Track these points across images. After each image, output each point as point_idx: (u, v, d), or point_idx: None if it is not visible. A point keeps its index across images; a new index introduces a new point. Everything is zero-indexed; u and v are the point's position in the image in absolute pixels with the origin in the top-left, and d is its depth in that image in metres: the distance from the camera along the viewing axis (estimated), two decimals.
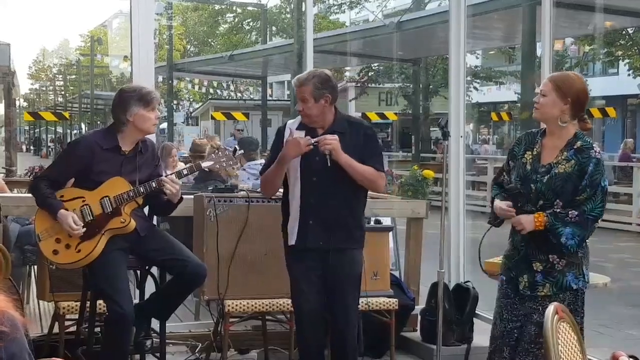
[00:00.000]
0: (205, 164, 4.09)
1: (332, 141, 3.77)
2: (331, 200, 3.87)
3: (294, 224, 3.92)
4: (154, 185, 3.94)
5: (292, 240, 3.93)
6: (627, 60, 22.72)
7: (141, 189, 3.93)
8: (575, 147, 3.42)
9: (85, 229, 3.87)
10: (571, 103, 3.43)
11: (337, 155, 3.77)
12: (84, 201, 3.92)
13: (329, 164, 3.76)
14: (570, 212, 3.35)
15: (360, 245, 4.03)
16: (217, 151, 4.12)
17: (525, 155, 3.52)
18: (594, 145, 3.44)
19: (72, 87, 49.28)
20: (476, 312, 5.35)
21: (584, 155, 3.39)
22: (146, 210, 4.18)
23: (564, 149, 3.44)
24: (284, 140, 3.90)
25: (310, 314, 3.96)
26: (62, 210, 3.88)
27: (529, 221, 3.39)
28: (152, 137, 4.27)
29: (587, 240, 3.47)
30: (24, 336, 1.75)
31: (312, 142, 3.78)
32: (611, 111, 16.86)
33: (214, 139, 15.76)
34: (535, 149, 3.51)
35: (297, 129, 3.96)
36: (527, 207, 3.44)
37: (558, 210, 3.37)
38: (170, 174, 4.06)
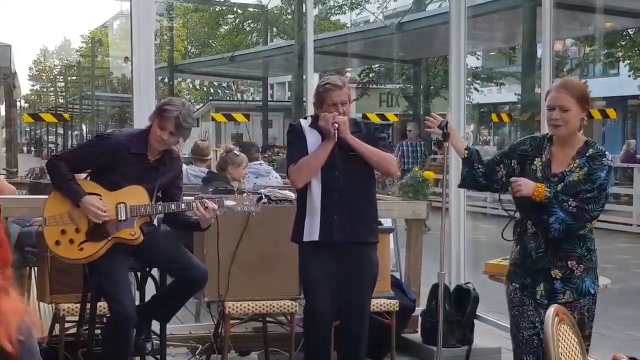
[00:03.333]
0: (228, 203, 4.00)
1: (342, 118, 3.92)
2: (354, 194, 3.95)
3: (313, 219, 3.94)
4: (173, 208, 3.92)
5: (313, 236, 3.94)
6: (627, 61, 22.72)
7: (160, 207, 3.90)
8: (587, 154, 3.37)
9: (96, 227, 3.84)
10: (587, 110, 3.41)
11: (343, 133, 3.89)
12: (100, 199, 3.88)
13: (336, 139, 3.89)
14: (570, 201, 3.30)
15: (377, 240, 4.14)
16: (242, 194, 4.09)
17: (535, 162, 3.44)
18: (606, 152, 3.40)
19: (72, 88, 49.26)
20: (477, 313, 5.35)
21: (596, 163, 3.34)
22: None
23: (576, 157, 3.38)
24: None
25: (324, 315, 3.98)
26: (88, 196, 3.83)
27: (529, 186, 3.32)
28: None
29: (595, 243, 3.42)
30: (36, 344, 1.77)
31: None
32: (611, 112, 16.85)
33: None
34: (544, 156, 3.44)
35: (309, 127, 4.06)
36: (542, 217, 3.34)
37: (560, 194, 3.31)
38: (206, 198, 3.95)
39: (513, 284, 3.50)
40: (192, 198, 4.10)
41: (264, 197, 4.13)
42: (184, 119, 3.87)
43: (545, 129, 5.25)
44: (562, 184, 3.35)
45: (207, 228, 4.02)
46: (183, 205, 3.94)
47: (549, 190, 3.31)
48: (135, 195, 3.89)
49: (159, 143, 3.92)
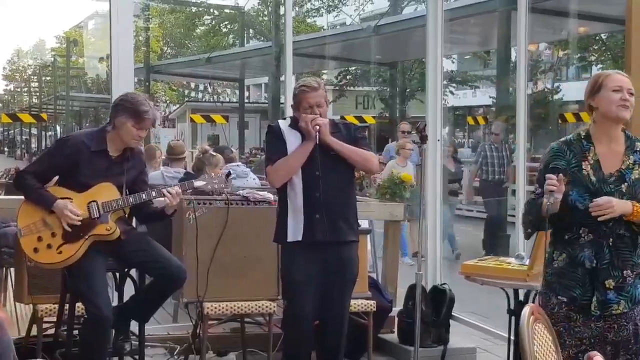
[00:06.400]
0: (198, 183, 4.08)
1: (323, 120, 3.94)
2: (335, 194, 3.98)
3: (297, 219, 3.96)
4: (144, 197, 3.95)
5: (297, 236, 3.96)
6: (600, 65, 23.02)
7: (131, 199, 3.93)
8: (636, 149, 3.17)
9: (71, 229, 3.85)
10: None
11: (324, 135, 3.91)
12: (71, 202, 3.89)
13: (317, 142, 3.90)
14: None
15: (358, 238, 4.17)
16: (212, 173, 4.16)
17: (584, 166, 3.15)
18: None
19: (47, 89, 48.81)
20: (452, 313, 5.41)
21: None
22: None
23: (628, 153, 3.16)
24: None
25: (307, 317, 4.00)
26: (60, 200, 3.86)
27: (625, 207, 3.04)
28: None
29: None
30: (10, 337, 1.77)
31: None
32: (585, 116, 17.00)
33: None
34: (590, 158, 3.16)
35: (288, 127, 4.07)
36: (603, 227, 3.11)
37: None
38: (169, 187, 4.02)
39: (559, 298, 3.18)
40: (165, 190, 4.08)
41: (232, 184, 4.19)
42: (155, 112, 4.00)
43: (521, 130, 5.34)
44: (626, 183, 3.12)
45: (173, 214, 4.08)
46: (154, 193, 3.98)
47: None
48: (105, 192, 3.92)
49: (136, 141, 4.00)
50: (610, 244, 3.12)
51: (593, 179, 3.13)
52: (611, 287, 3.11)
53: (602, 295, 3.11)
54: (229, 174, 4.16)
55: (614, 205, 3.03)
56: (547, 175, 3.07)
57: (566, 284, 3.16)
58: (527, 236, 3.43)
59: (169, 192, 3.93)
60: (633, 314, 3.13)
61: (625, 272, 3.12)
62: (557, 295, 3.18)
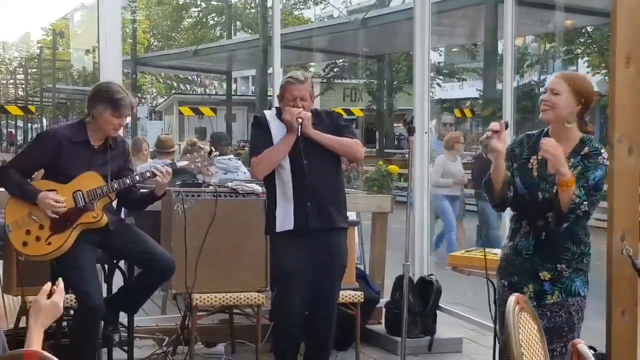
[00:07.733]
0: (180, 164, 4.14)
1: (305, 114, 3.98)
2: (323, 180, 4.01)
3: (287, 209, 3.99)
4: (128, 182, 3.96)
5: (288, 225, 3.98)
6: (586, 58, 23.13)
7: (115, 185, 3.95)
8: (582, 153, 3.19)
9: (59, 216, 3.87)
10: (583, 104, 3.21)
11: (306, 128, 3.95)
12: (56, 193, 3.91)
13: (299, 134, 3.94)
14: (583, 205, 3.08)
15: (347, 225, 4.21)
16: (193, 152, 4.17)
17: (531, 160, 3.27)
18: (602, 150, 3.19)
19: (32, 81, 48.49)
20: (439, 304, 5.46)
21: (590, 161, 3.17)
22: (114, 204, 4.19)
23: (571, 156, 3.19)
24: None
25: (297, 308, 4.02)
26: (42, 192, 3.87)
27: (564, 165, 3.04)
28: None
29: (590, 247, 3.28)
30: (1, 329, 1.78)
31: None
32: None
33: None
34: (540, 154, 3.21)
35: (274, 116, 4.11)
36: (538, 221, 3.22)
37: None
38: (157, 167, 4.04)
39: (502, 281, 3.37)
40: (149, 173, 4.08)
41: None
42: (132, 99, 4.01)
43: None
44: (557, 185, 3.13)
45: (162, 196, 4.10)
46: (137, 177, 4.01)
47: (578, 194, 3.07)
48: (90, 181, 3.94)
49: (116, 130, 4.02)
50: (543, 237, 3.23)
51: (534, 174, 3.25)
52: (546, 279, 3.24)
53: (538, 286, 3.25)
54: (211, 152, 4.17)
55: (558, 151, 3.05)
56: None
57: (509, 270, 3.34)
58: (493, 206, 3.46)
59: (159, 170, 3.95)
60: (567, 304, 3.23)
61: (559, 266, 3.23)
62: (501, 279, 3.38)
